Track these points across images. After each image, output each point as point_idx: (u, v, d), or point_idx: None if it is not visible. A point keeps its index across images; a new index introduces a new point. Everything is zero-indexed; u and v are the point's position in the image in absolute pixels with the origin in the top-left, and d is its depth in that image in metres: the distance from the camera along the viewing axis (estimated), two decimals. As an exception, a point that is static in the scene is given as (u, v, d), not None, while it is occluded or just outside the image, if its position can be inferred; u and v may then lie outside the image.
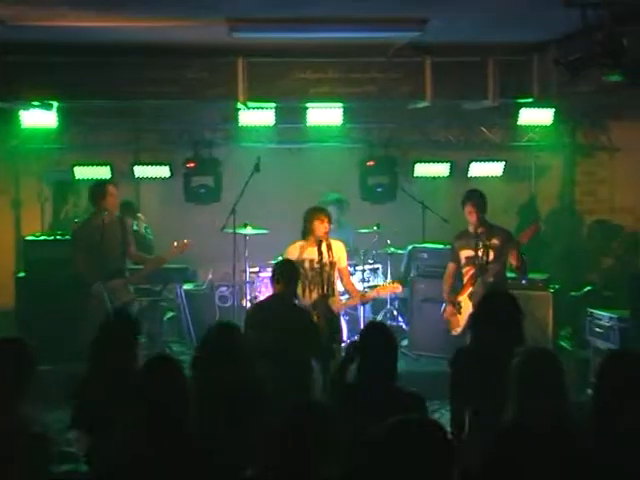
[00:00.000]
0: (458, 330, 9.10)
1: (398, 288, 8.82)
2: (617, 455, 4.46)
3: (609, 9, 6.63)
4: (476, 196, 9.31)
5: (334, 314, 8.71)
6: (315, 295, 8.72)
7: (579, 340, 10.95)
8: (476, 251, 9.14)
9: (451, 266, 9.49)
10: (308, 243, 8.80)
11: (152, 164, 12.47)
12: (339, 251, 8.86)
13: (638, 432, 4.52)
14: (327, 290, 8.65)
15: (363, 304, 9.42)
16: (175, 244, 9.89)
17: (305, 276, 8.78)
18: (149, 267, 10.04)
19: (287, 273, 7.75)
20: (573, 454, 4.51)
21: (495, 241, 9.13)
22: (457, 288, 9.32)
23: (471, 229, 9.27)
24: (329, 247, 8.75)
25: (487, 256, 9.09)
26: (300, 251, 8.84)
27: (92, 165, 12.15)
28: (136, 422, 4.57)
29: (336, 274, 8.84)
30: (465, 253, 9.27)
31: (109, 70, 9.72)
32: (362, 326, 11.14)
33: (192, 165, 12.35)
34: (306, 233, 8.85)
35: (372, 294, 9.02)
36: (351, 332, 10.30)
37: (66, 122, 11.31)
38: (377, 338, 5.74)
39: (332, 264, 8.76)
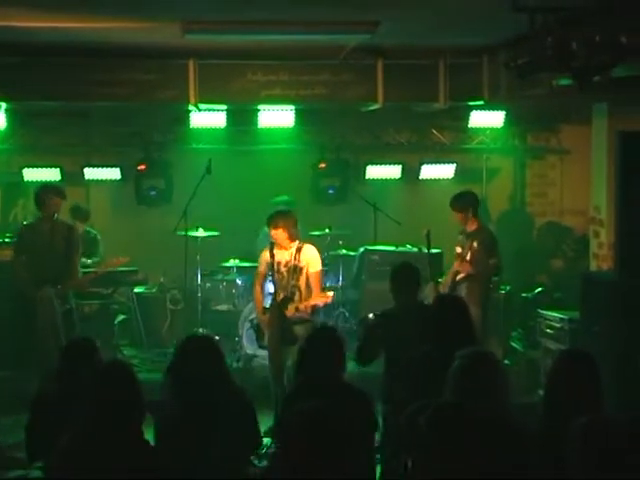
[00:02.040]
0: None
1: (329, 298, 8.76)
2: (566, 455, 4.52)
3: (557, 14, 6.71)
4: (458, 199, 9.73)
5: (285, 317, 8.67)
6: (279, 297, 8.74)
7: (530, 341, 11.06)
8: (462, 248, 9.43)
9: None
10: (276, 246, 8.80)
11: (102, 166, 12.39)
12: (309, 255, 8.78)
13: (593, 433, 4.56)
14: (286, 294, 8.65)
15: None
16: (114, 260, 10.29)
17: (274, 278, 8.76)
18: (86, 278, 10.09)
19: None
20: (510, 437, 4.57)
21: (475, 243, 9.31)
22: None
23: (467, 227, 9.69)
24: (298, 250, 8.73)
25: (466, 257, 9.31)
26: (270, 253, 8.82)
27: (41, 167, 12.05)
28: (86, 424, 4.60)
29: (302, 279, 8.75)
30: (458, 249, 9.56)
31: (59, 71, 9.63)
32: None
33: (143, 167, 12.29)
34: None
35: (307, 304, 8.75)
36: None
37: (15, 123, 11.20)
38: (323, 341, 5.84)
39: (296, 268, 8.72)
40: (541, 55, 6.60)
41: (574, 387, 4.80)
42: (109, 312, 11.41)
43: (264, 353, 9.23)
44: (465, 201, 9.71)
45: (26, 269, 9.42)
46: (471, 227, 9.63)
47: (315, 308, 8.74)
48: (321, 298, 8.60)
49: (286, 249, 8.74)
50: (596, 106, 10.72)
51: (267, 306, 8.89)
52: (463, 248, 9.46)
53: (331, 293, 8.72)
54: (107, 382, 4.76)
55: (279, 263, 8.75)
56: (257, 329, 9.18)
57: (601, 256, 10.74)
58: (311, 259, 8.77)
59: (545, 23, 6.61)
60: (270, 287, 8.99)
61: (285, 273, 8.73)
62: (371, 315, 8.23)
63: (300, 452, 3.89)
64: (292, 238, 8.74)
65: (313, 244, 9.09)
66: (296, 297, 8.68)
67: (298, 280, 8.71)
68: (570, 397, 4.77)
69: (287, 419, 4.17)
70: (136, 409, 4.73)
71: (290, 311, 8.62)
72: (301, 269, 8.72)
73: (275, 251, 8.78)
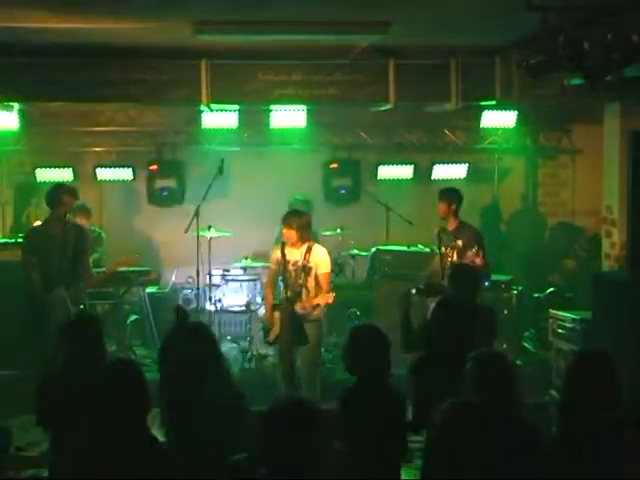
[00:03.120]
0: None
1: (330, 298, 8.79)
2: (580, 454, 4.53)
3: (570, 13, 6.71)
4: (447, 193, 9.69)
5: (297, 317, 8.70)
6: (284, 296, 8.79)
7: (542, 341, 11.05)
8: (446, 248, 9.31)
9: (436, 256, 9.71)
10: (287, 244, 8.84)
11: (115, 166, 12.43)
12: (318, 257, 8.80)
13: (604, 433, 4.58)
14: (293, 294, 8.67)
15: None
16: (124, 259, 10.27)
17: (284, 277, 8.83)
18: (97, 279, 10.10)
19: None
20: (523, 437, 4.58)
21: (459, 242, 9.25)
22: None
23: (448, 225, 9.63)
24: (308, 250, 8.75)
25: (451, 257, 9.22)
26: (281, 251, 8.87)
27: (54, 167, 12.09)
28: (95, 424, 4.61)
29: (312, 279, 8.78)
30: (442, 249, 9.46)
31: (71, 72, 9.65)
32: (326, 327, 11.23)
33: (155, 167, 12.33)
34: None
35: (310, 303, 8.73)
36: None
37: (28, 124, 11.24)
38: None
39: (305, 268, 8.74)
40: (553, 55, 6.59)
41: (591, 387, 4.83)
42: (121, 312, 11.43)
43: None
44: (454, 194, 9.74)
45: (37, 271, 9.42)
46: (452, 225, 9.60)
47: (318, 308, 8.76)
48: (322, 298, 8.62)
49: (297, 248, 8.76)
50: (608, 106, 10.70)
51: (277, 303, 8.91)
52: (447, 248, 9.37)
53: (332, 294, 8.75)
54: (114, 381, 4.76)
55: (288, 262, 8.79)
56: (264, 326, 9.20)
57: (613, 256, 10.72)
58: (321, 260, 8.79)
59: (557, 22, 6.61)
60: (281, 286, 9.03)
61: (293, 272, 8.75)
62: (414, 290, 8.38)
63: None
64: (303, 239, 8.76)
65: (323, 245, 9.11)
66: (303, 296, 8.72)
67: (306, 280, 8.73)
68: (587, 397, 4.79)
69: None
70: (144, 407, 4.74)
71: (301, 309, 8.67)
72: (310, 269, 8.74)
73: (286, 250, 8.82)
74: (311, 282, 8.72)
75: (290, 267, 8.78)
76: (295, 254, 8.78)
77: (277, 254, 8.90)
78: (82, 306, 9.46)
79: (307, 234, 8.82)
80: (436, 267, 9.58)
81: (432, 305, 8.76)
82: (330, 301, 8.67)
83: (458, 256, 9.20)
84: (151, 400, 4.79)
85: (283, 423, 3.92)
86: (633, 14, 6.30)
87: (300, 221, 8.79)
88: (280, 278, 9.01)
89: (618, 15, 6.37)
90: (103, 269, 10.52)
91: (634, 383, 7.83)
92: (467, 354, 5.26)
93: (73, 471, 4.53)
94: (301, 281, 8.72)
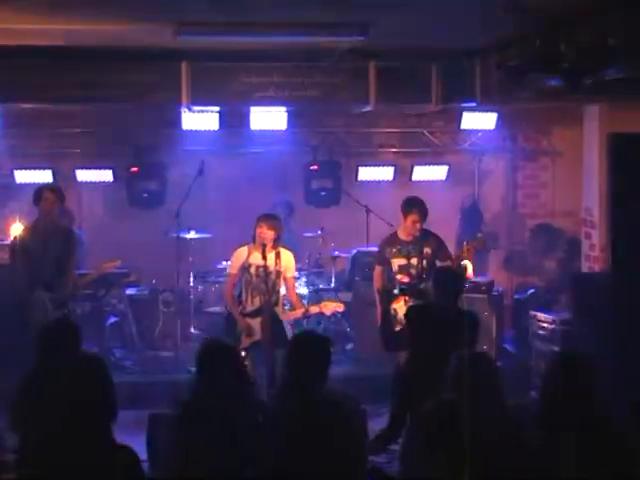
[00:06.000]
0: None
1: (340, 307, 8.88)
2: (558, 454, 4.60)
3: (548, 16, 6.79)
4: (422, 205, 9.36)
5: (280, 321, 8.76)
6: (257, 301, 8.79)
7: (522, 343, 11.13)
8: (409, 259, 9.24)
9: (379, 269, 9.52)
10: (255, 248, 8.83)
11: (95, 168, 12.43)
12: (287, 260, 8.87)
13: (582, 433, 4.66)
14: (270, 298, 8.71)
15: (306, 318, 9.40)
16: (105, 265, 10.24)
17: (249, 282, 8.83)
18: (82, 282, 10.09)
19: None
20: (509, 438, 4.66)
21: (427, 250, 9.24)
22: (390, 294, 9.39)
23: (403, 236, 9.36)
24: (277, 255, 8.79)
25: (422, 265, 9.21)
26: (247, 255, 8.88)
27: (33, 169, 12.08)
28: (58, 421, 4.57)
29: (281, 283, 8.86)
30: (398, 262, 9.33)
31: (51, 73, 9.68)
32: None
33: (135, 169, 12.32)
34: (254, 238, 8.92)
35: (315, 310, 8.94)
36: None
37: (6, 125, 11.24)
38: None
39: (278, 272, 8.79)
40: (531, 57, 6.67)
41: (569, 388, 4.90)
42: (101, 314, 11.42)
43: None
44: (423, 203, 9.37)
45: (24, 271, 9.42)
46: (414, 235, 9.33)
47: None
48: (334, 307, 8.71)
49: (268, 253, 8.76)
50: (587, 108, 10.80)
51: (252, 309, 8.91)
52: (409, 258, 9.27)
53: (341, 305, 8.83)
54: (73, 379, 4.68)
55: (258, 266, 8.80)
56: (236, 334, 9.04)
57: (593, 257, 10.82)
58: (289, 264, 8.87)
59: (534, 25, 6.69)
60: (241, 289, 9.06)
61: (264, 277, 8.74)
62: (396, 290, 8.41)
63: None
64: (276, 243, 8.81)
65: (304, 246, 9.19)
66: (279, 301, 8.80)
67: (279, 285, 8.80)
68: (565, 398, 4.87)
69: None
70: (105, 408, 4.62)
71: (285, 315, 8.73)
72: (281, 274, 8.82)
73: (255, 254, 8.82)
74: (281, 286, 8.83)
75: (260, 271, 8.78)
76: (257, 257, 8.78)
77: (242, 257, 8.91)
78: (65, 310, 9.45)
79: (279, 240, 8.89)
80: (379, 283, 9.50)
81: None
82: (340, 309, 8.78)
83: (428, 263, 9.21)
84: (114, 399, 4.71)
85: None
86: (610, 16, 6.38)
87: (280, 224, 8.87)
88: (243, 282, 8.99)
89: (596, 17, 6.45)
90: (87, 272, 10.50)
91: (613, 384, 7.93)
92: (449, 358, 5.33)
93: (35, 469, 4.49)
94: (275, 286, 8.79)
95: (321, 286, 11.63)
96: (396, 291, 9.01)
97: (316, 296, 11.23)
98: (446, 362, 5.32)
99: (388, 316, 9.25)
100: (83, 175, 12.37)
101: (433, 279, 8.14)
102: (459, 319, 7.47)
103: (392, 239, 9.44)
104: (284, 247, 9.04)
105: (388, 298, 9.33)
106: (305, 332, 7.45)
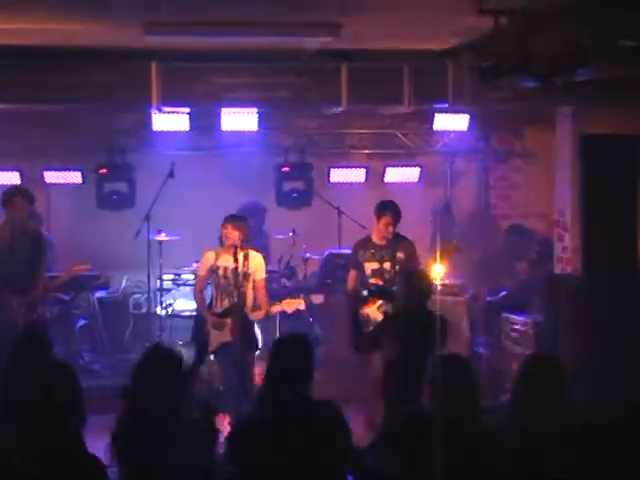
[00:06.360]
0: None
1: (302, 304, 8.86)
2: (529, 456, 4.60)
3: (521, 16, 6.77)
4: (395, 208, 9.35)
5: (250, 323, 8.73)
6: (227, 303, 8.76)
7: (495, 345, 11.14)
8: (381, 263, 9.22)
9: (353, 272, 9.48)
10: (224, 250, 8.81)
11: (63, 170, 12.32)
12: (256, 262, 8.84)
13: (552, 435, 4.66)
14: (238, 300, 8.67)
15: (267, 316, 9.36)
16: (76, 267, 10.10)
17: (218, 284, 8.80)
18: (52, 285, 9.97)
19: None
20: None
21: (400, 255, 9.23)
22: (359, 297, 9.35)
23: (376, 239, 9.33)
24: (246, 257, 8.76)
25: (395, 269, 9.19)
26: (215, 258, 8.85)
27: (0, 171, 11.95)
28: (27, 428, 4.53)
29: (250, 285, 8.83)
30: (371, 265, 9.31)
31: (21, 73, 9.57)
32: (278, 334, 11.22)
33: (105, 171, 12.23)
34: (220, 239, 8.90)
35: (277, 308, 8.97)
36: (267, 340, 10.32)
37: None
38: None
39: (245, 274, 8.76)
40: (503, 58, 6.66)
41: (541, 390, 4.91)
42: (69, 317, 11.35)
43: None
44: (396, 206, 9.39)
45: None
46: (388, 236, 9.34)
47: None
48: (296, 304, 8.67)
49: (236, 254, 8.72)
50: (560, 109, 10.81)
51: (221, 311, 8.87)
52: (382, 262, 9.24)
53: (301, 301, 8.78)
54: (42, 387, 4.67)
55: (227, 268, 8.77)
56: (204, 336, 8.99)
57: (565, 259, 10.82)
58: (259, 266, 8.85)
59: (507, 26, 6.68)
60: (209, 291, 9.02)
61: (233, 279, 8.71)
62: (365, 292, 8.38)
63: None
64: (243, 244, 8.77)
65: (276, 248, 9.16)
66: (247, 303, 8.76)
67: (247, 286, 8.76)
68: (536, 400, 4.88)
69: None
70: (74, 414, 4.63)
71: (255, 316, 8.69)
72: (249, 275, 8.78)
73: (224, 256, 8.79)
74: (251, 288, 8.79)
75: (229, 273, 8.74)
76: (226, 260, 8.75)
77: (210, 259, 8.88)
78: (35, 315, 9.34)
79: (246, 241, 8.86)
80: (352, 286, 9.47)
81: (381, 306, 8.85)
82: (302, 307, 8.75)
83: (401, 268, 9.19)
84: (83, 406, 4.68)
85: None
86: (584, 17, 6.38)
87: (246, 225, 8.84)
88: (212, 284, 8.95)
89: (569, 19, 6.44)
90: (59, 274, 10.38)
91: (584, 385, 7.94)
92: (419, 362, 5.31)
93: (3, 477, 4.45)
94: (243, 288, 8.75)
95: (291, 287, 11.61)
96: (365, 293, 8.99)
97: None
98: (417, 365, 5.29)
99: (357, 318, 9.23)
100: (51, 177, 12.27)
101: (399, 281, 8.12)
102: (428, 321, 7.44)
103: (365, 242, 9.43)
104: (253, 249, 9.01)
105: (358, 301, 9.31)
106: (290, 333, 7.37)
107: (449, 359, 5.29)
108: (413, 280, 8.02)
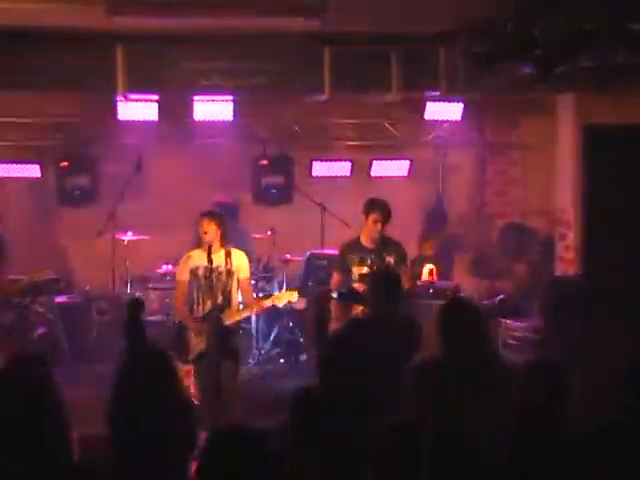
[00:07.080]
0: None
1: (293, 296, 8.89)
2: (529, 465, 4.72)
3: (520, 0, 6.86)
4: (385, 206, 9.36)
5: (228, 328, 8.73)
6: (209, 305, 8.75)
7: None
8: (370, 269, 9.28)
9: (337, 277, 9.46)
10: (203, 249, 8.82)
11: (20, 162, 12.32)
12: (239, 260, 8.85)
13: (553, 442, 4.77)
14: (223, 301, 8.70)
15: (258, 314, 9.46)
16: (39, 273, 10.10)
17: (200, 286, 8.80)
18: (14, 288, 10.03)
19: None
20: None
21: (389, 259, 9.29)
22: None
23: (365, 242, 9.41)
24: (228, 254, 8.79)
25: None
26: (195, 258, 8.86)
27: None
28: None
29: (234, 284, 8.85)
30: (359, 270, 9.31)
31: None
32: (255, 340, 11.32)
33: (66, 164, 12.25)
34: (198, 239, 8.90)
35: (268, 303, 9.01)
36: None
37: None
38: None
39: (229, 272, 8.78)
40: (500, 43, 6.74)
41: (541, 400, 5.02)
42: (27, 324, 11.33)
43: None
44: (387, 205, 9.38)
45: None
46: (376, 235, 9.32)
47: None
48: (287, 297, 8.73)
49: (215, 253, 8.75)
50: (561, 97, 10.85)
51: (199, 315, 8.90)
52: (371, 267, 9.22)
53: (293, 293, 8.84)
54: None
55: (206, 268, 8.79)
56: (181, 342, 8.98)
57: (567, 260, 10.86)
58: (243, 264, 8.88)
59: (508, 9, 6.75)
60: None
61: (216, 279, 8.74)
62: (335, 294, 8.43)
63: None
64: (222, 241, 8.81)
65: (253, 248, 9.19)
66: (232, 304, 8.79)
67: (231, 286, 8.80)
68: (537, 410, 4.98)
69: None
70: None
71: (230, 319, 8.71)
72: (233, 274, 8.82)
73: (204, 255, 8.80)
74: (235, 288, 8.82)
75: (207, 272, 8.77)
76: (215, 259, 8.77)
77: (188, 262, 8.91)
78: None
79: (226, 237, 8.89)
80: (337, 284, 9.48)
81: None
82: (294, 299, 8.78)
83: None
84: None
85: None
86: (586, 2, 6.47)
87: (222, 218, 8.87)
88: (194, 287, 8.97)
89: (570, 2, 6.53)
90: (20, 277, 10.40)
91: (587, 393, 8.03)
92: (388, 371, 5.40)
93: None
94: (228, 288, 8.77)
95: (271, 292, 11.63)
96: (334, 295, 9.03)
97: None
98: (388, 375, 5.38)
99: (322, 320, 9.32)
100: (6, 170, 12.27)
101: (367, 285, 8.16)
102: (398, 328, 7.50)
103: (354, 245, 9.45)
104: (235, 247, 9.05)
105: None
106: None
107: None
108: (380, 285, 8.00)
